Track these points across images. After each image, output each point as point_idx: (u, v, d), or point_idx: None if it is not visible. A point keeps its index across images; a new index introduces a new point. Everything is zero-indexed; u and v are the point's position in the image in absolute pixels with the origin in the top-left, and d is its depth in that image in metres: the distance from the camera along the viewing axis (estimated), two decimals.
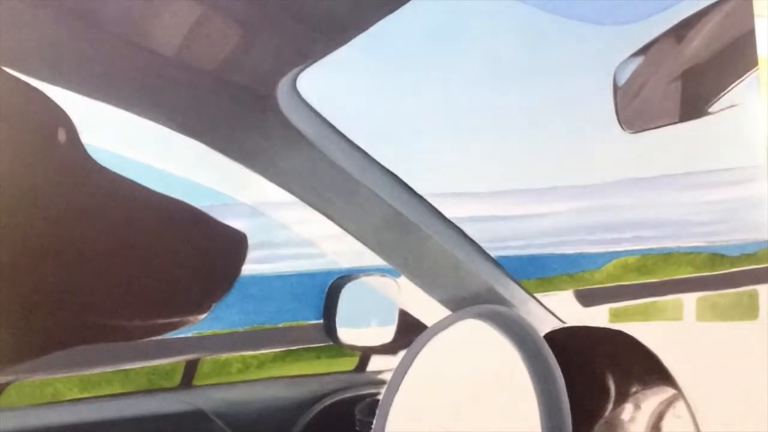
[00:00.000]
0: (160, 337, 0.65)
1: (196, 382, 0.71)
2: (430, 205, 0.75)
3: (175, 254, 0.66)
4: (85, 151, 0.64)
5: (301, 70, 0.70)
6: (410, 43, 0.73)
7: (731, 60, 0.78)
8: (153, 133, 0.67)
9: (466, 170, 0.75)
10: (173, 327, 0.66)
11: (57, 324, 0.60)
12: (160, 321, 0.66)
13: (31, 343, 0.60)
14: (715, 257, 0.78)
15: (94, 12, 0.64)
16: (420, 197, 0.75)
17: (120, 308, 0.64)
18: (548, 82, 0.74)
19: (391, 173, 0.74)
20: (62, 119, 0.62)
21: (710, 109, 0.79)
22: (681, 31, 0.78)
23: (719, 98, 0.78)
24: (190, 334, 0.66)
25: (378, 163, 0.74)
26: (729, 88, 0.78)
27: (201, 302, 0.68)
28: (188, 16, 0.67)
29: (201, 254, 0.68)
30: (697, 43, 0.78)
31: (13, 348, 0.59)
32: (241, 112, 0.70)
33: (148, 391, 0.67)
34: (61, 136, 0.61)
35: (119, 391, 0.65)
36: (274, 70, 0.70)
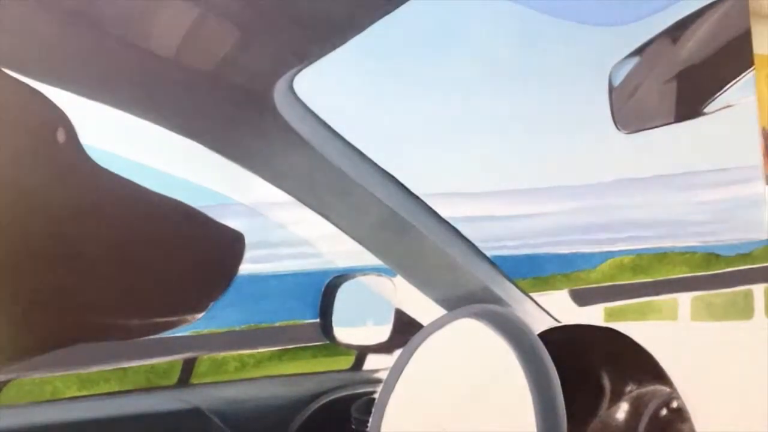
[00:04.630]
0: (157, 336, 0.65)
1: (194, 380, 0.71)
2: (426, 205, 0.76)
3: (173, 254, 0.67)
4: (84, 151, 0.64)
5: (298, 71, 0.70)
6: (407, 44, 0.73)
7: (727, 60, 0.78)
8: (150, 134, 0.67)
9: (462, 171, 0.75)
10: (171, 326, 0.67)
11: (56, 322, 0.61)
12: (158, 320, 0.66)
13: (30, 342, 0.60)
14: (711, 257, 0.78)
15: (92, 13, 0.64)
16: (416, 197, 0.76)
17: (118, 307, 0.64)
18: (543, 82, 0.75)
19: (388, 173, 0.74)
20: (61, 120, 0.63)
21: (705, 110, 0.79)
22: (676, 32, 0.78)
23: (714, 98, 0.79)
24: (187, 333, 0.66)
25: (374, 164, 0.74)
26: (724, 89, 0.78)
27: (199, 301, 0.68)
28: (186, 18, 0.67)
29: (199, 254, 0.68)
30: (692, 44, 0.78)
31: (13, 346, 0.59)
32: (238, 113, 0.70)
33: (146, 390, 0.68)
34: (61, 136, 0.61)
35: (117, 389, 0.66)
36: (271, 71, 0.70)
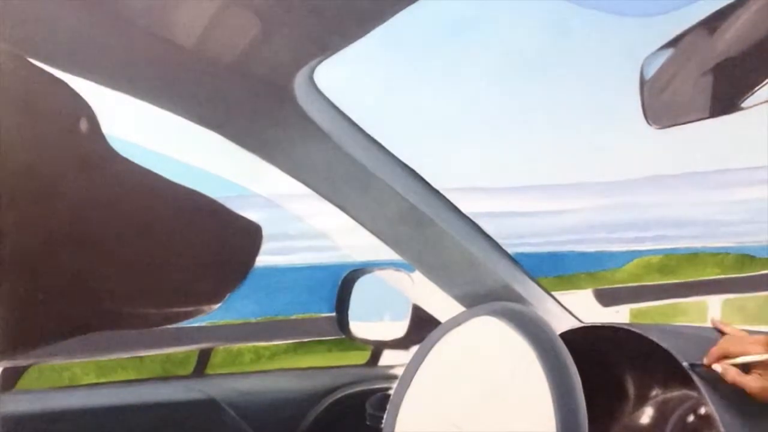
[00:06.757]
0: (174, 326, 0.66)
1: (209, 371, 0.72)
2: (447, 199, 0.74)
3: (191, 244, 0.67)
4: (105, 141, 0.65)
5: (319, 62, 0.70)
6: (430, 35, 0.72)
7: (766, 53, 0.74)
8: (171, 124, 0.68)
9: (485, 165, 0.74)
10: (188, 316, 0.67)
11: (74, 310, 0.62)
12: (176, 310, 0.67)
13: (50, 328, 0.61)
14: (744, 258, 0.75)
15: (116, 5, 0.65)
16: (436, 191, 0.74)
17: (136, 296, 0.65)
18: (572, 75, 0.73)
19: (408, 167, 0.73)
20: (84, 110, 0.63)
21: (743, 105, 0.76)
22: (714, 22, 0.75)
23: (753, 93, 0.75)
24: (203, 324, 0.66)
25: (394, 157, 0.73)
26: (763, 83, 0.75)
27: (215, 292, 0.68)
28: (208, 9, 0.67)
29: (216, 245, 0.68)
30: (730, 36, 0.75)
31: (34, 332, 0.60)
32: (259, 104, 0.70)
33: (162, 379, 0.68)
34: (83, 126, 0.61)
35: (134, 377, 0.67)
36: (292, 62, 0.70)
